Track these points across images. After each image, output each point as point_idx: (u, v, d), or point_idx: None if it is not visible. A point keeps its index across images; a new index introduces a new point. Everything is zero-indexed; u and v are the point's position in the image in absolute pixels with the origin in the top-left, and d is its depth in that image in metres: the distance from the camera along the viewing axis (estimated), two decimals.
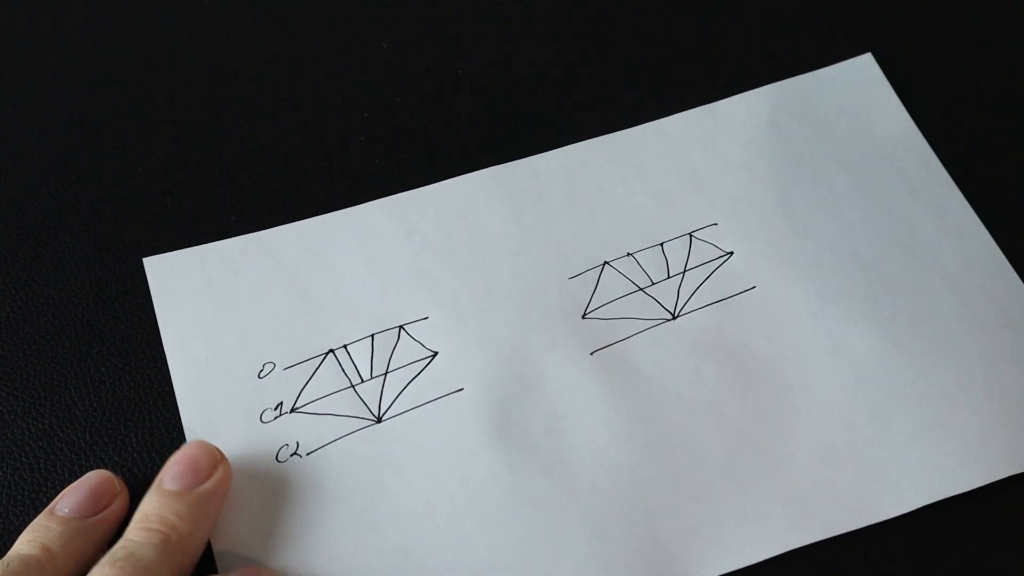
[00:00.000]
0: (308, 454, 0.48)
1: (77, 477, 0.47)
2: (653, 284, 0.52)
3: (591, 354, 0.50)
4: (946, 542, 0.46)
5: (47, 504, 0.46)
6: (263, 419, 0.49)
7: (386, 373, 0.50)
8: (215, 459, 0.46)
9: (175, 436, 0.49)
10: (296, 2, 0.63)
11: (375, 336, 0.51)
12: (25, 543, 0.43)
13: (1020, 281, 0.52)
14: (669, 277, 0.52)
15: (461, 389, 0.49)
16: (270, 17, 0.62)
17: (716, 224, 0.54)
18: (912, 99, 0.58)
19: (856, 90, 0.58)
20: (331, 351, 0.51)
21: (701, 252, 0.53)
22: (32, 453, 0.49)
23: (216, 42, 0.61)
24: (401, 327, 0.51)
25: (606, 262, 0.53)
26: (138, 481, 0.48)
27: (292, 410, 0.49)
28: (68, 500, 0.45)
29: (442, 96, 0.59)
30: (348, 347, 0.51)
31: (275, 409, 0.49)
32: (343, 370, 0.50)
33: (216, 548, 0.46)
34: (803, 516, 0.46)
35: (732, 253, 0.53)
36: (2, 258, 0.54)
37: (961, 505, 0.47)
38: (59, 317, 0.52)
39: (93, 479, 0.45)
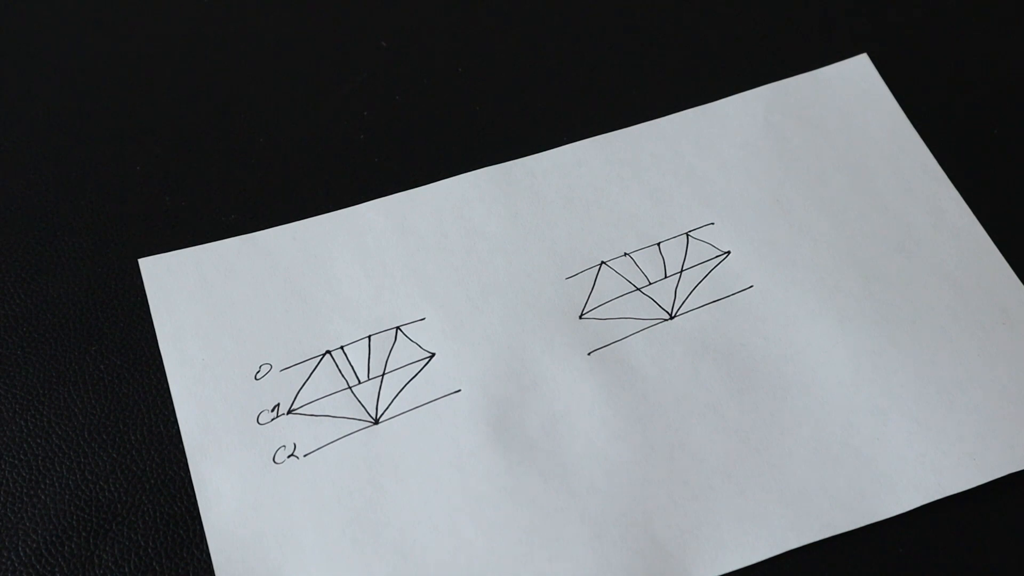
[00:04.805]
0: (305, 455, 0.48)
1: (75, 475, 0.48)
2: (650, 284, 0.52)
3: (588, 354, 0.50)
4: (945, 541, 0.46)
5: (45, 502, 0.46)
6: (260, 420, 0.49)
7: (383, 374, 0.50)
8: None
9: (173, 434, 0.49)
10: (296, 1, 0.63)
11: (372, 337, 0.51)
12: None
13: (1017, 279, 0.52)
14: (666, 277, 0.52)
15: (458, 390, 0.49)
16: (269, 17, 0.62)
17: (713, 224, 0.54)
18: (908, 99, 0.58)
19: (852, 90, 0.58)
20: (328, 352, 0.51)
21: (698, 252, 0.53)
22: (31, 451, 0.49)
23: (215, 42, 0.61)
24: (398, 328, 0.51)
25: (603, 262, 0.53)
26: (136, 479, 0.48)
27: (289, 411, 0.49)
28: None
29: (441, 95, 0.59)
30: (345, 348, 0.51)
31: (272, 410, 0.49)
32: (340, 371, 0.50)
33: (213, 549, 0.46)
34: (802, 516, 0.46)
35: (729, 253, 0.53)
36: (1, 257, 0.54)
37: (960, 504, 0.47)
38: (58, 315, 0.52)
39: None
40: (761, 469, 0.47)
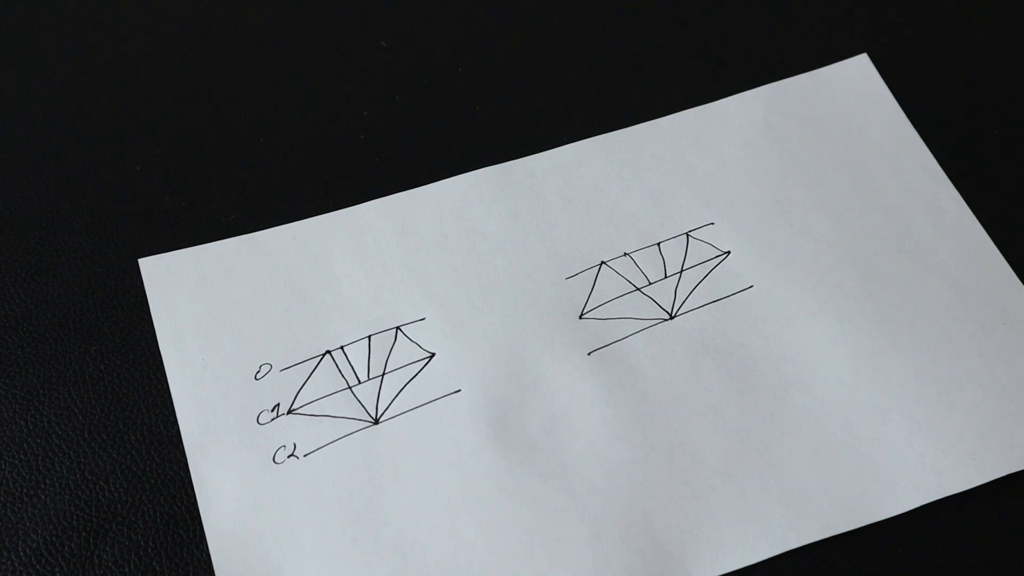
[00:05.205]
0: (305, 455, 0.48)
1: (75, 475, 0.48)
2: (650, 284, 0.52)
3: (588, 354, 0.50)
4: (945, 541, 0.46)
5: (45, 502, 0.46)
6: (260, 420, 0.49)
7: (383, 374, 0.50)
8: None
9: (173, 434, 0.49)
10: (295, 1, 0.63)
11: (372, 337, 0.51)
12: None
13: (1017, 279, 0.52)
14: (666, 277, 0.52)
15: (458, 390, 0.49)
16: (269, 16, 0.62)
17: (713, 224, 0.54)
18: (908, 98, 0.58)
19: (852, 90, 0.58)
20: (328, 352, 0.51)
21: (698, 252, 0.53)
22: (31, 451, 0.49)
23: (215, 42, 0.61)
24: (398, 328, 0.51)
25: (603, 262, 0.53)
26: (136, 479, 0.48)
27: (289, 411, 0.49)
28: None
29: (441, 95, 0.59)
30: (345, 348, 0.51)
31: (272, 410, 0.49)
32: (340, 371, 0.50)
33: (213, 549, 0.46)
34: (802, 516, 0.46)
35: (729, 253, 0.53)
36: (1, 257, 0.54)
37: (960, 504, 0.47)
38: (58, 315, 0.52)
39: None
40: (761, 469, 0.47)
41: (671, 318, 0.51)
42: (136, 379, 0.50)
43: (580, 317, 0.51)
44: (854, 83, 0.58)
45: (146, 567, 0.46)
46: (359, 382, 0.50)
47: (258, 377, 0.50)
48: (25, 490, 0.48)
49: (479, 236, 0.54)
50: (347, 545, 0.46)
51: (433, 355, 0.50)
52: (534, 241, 0.53)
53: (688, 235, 0.54)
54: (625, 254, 0.53)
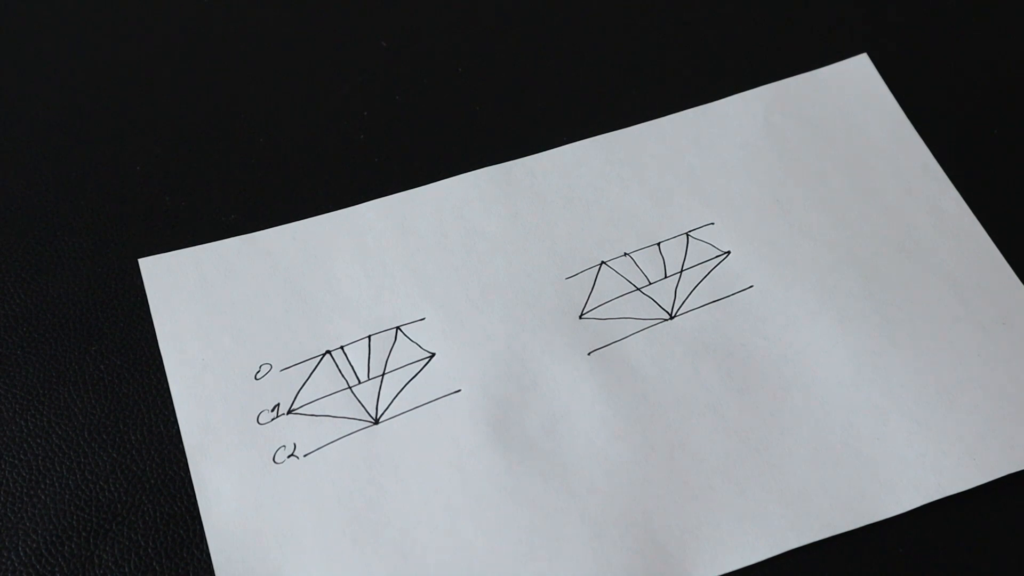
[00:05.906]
0: (305, 455, 0.48)
1: (75, 475, 0.48)
2: (650, 284, 0.52)
3: (588, 354, 0.50)
4: (945, 541, 0.46)
5: (45, 502, 0.46)
6: (260, 420, 0.49)
7: (383, 374, 0.50)
8: None
9: (173, 434, 0.49)
10: (296, 1, 0.63)
11: (372, 337, 0.51)
12: None
13: (1017, 280, 0.52)
14: (666, 277, 0.52)
15: (458, 390, 0.49)
16: (269, 16, 0.62)
17: (713, 224, 0.54)
18: (908, 98, 0.58)
19: (852, 90, 0.58)
20: (328, 352, 0.51)
21: (698, 252, 0.53)
22: (31, 451, 0.49)
23: (215, 42, 0.61)
24: (398, 328, 0.51)
25: (603, 262, 0.53)
26: (136, 479, 0.48)
27: (289, 411, 0.49)
28: None
29: (441, 95, 0.59)
30: (345, 348, 0.51)
31: (272, 410, 0.49)
32: (340, 371, 0.50)
33: (213, 549, 0.46)
34: (802, 516, 0.46)
35: (729, 253, 0.53)
36: (1, 257, 0.54)
37: (960, 504, 0.47)
38: (58, 315, 0.52)
39: None
40: (761, 469, 0.47)
41: (671, 318, 0.51)
42: (136, 379, 0.50)
43: (580, 317, 0.51)
44: (854, 83, 0.58)
45: (146, 567, 0.46)
46: (359, 382, 0.50)
47: (258, 377, 0.50)
48: (25, 490, 0.48)
49: (479, 236, 0.54)
50: (347, 545, 0.46)
51: (433, 355, 0.50)
52: (534, 241, 0.53)
53: (688, 235, 0.54)
54: (625, 254, 0.53)
